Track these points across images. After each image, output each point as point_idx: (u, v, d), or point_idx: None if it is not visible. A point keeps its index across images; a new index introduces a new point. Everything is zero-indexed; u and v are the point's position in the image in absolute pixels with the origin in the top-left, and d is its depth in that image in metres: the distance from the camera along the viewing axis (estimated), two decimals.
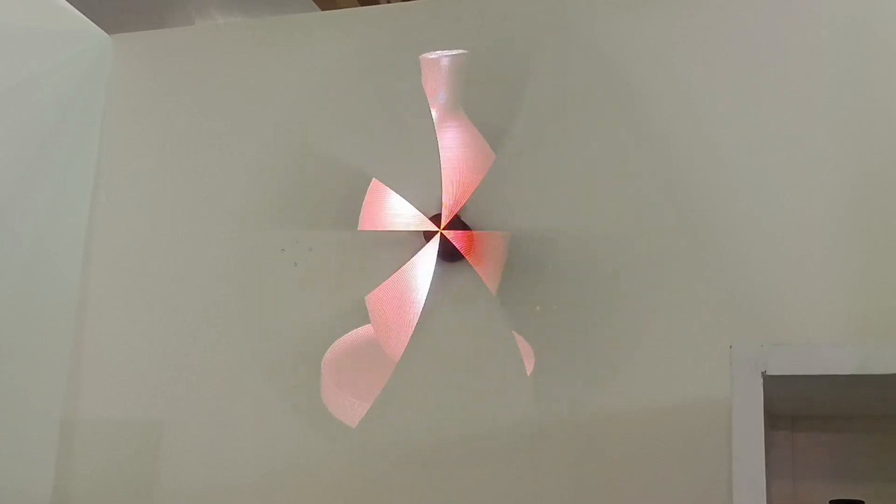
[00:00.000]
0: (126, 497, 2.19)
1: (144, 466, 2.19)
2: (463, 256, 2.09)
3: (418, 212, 2.12)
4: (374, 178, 2.17)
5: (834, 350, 1.45)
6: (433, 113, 2.17)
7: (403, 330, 2.08)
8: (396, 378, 2.10)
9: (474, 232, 2.10)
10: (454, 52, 2.21)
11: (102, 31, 2.48)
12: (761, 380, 1.44)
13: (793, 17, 2.05)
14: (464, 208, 2.12)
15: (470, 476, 2.00)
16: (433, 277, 2.09)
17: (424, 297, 2.09)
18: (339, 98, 2.30)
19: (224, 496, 2.13)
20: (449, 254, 2.09)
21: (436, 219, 2.11)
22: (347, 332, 2.14)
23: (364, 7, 2.36)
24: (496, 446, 2.00)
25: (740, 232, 1.96)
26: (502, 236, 2.08)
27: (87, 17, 2.42)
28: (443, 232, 2.09)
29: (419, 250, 2.12)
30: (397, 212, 2.14)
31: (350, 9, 2.37)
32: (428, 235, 2.11)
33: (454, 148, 2.14)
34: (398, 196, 2.14)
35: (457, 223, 2.10)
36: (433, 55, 2.21)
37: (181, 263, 2.31)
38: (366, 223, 2.16)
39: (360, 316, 2.14)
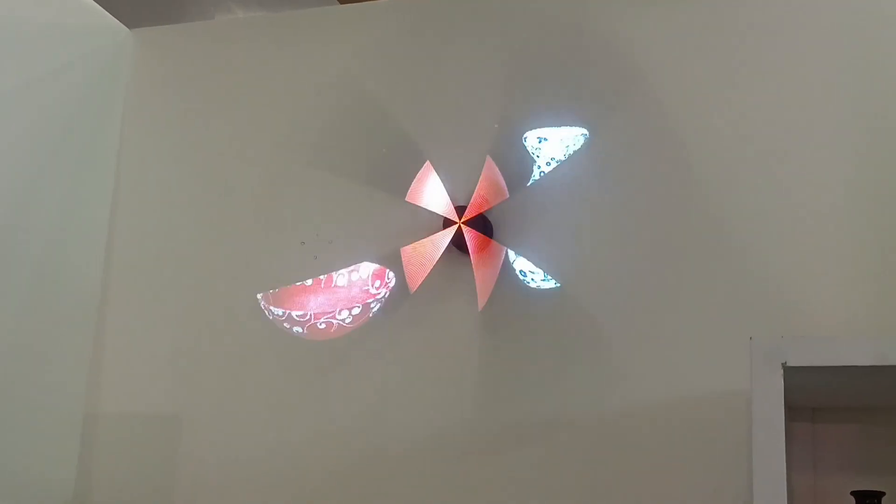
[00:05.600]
0: (146, 488, 2.20)
1: (164, 459, 2.20)
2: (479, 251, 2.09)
3: (447, 197, 2.12)
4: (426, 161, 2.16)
5: (854, 341, 1.45)
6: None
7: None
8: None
9: (492, 240, 2.10)
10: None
11: (122, 25, 2.49)
12: (781, 371, 1.44)
13: (805, 13, 2.04)
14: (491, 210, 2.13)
15: (492, 467, 2.00)
16: (448, 266, 2.10)
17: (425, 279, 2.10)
18: (359, 91, 2.30)
19: (242, 488, 2.14)
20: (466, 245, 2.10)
21: (461, 210, 2.11)
22: (367, 325, 2.14)
23: (383, 0, 2.36)
24: (515, 436, 2.01)
25: (759, 226, 1.96)
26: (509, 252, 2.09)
27: (107, 11, 2.43)
28: (462, 225, 2.09)
29: (435, 234, 2.12)
30: (430, 192, 2.14)
31: (369, 2, 2.36)
32: (448, 223, 2.11)
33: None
34: (436, 177, 2.14)
35: (479, 221, 2.10)
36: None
37: (201, 259, 2.32)
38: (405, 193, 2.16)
39: (380, 310, 2.15)
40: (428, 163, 2.14)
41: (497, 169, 2.11)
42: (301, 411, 2.15)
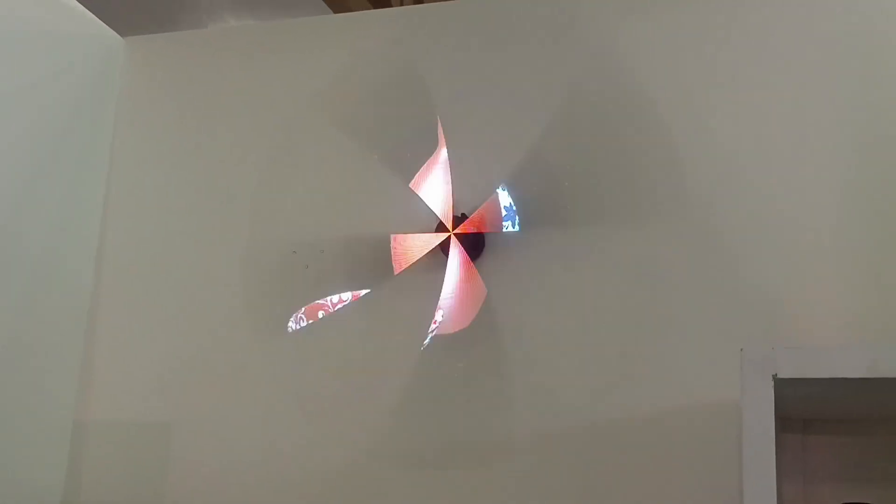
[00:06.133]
0: (135, 497, 2.19)
1: (154, 466, 2.19)
2: (480, 252, 2.10)
3: (433, 210, 2.13)
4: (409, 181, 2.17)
5: (845, 352, 1.45)
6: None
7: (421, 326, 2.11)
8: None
9: (485, 234, 2.10)
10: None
11: (115, 34, 2.48)
12: (772, 382, 1.44)
13: (799, 16, 2.04)
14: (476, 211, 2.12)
15: (478, 478, 2.00)
16: (442, 271, 2.10)
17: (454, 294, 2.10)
18: (351, 100, 2.30)
19: (232, 497, 2.13)
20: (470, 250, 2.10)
21: (441, 228, 2.12)
22: (357, 332, 2.14)
23: (375, 10, 2.36)
24: (505, 448, 2.00)
25: (750, 235, 1.96)
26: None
27: (100, 19, 2.43)
28: (454, 234, 2.10)
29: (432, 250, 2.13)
30: (414, 212, 2.15)
31: (361, 11, 2.37)
32: (442, 239, 2.12)
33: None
34: (419, 197, 2.15)
35: (470, 237, 2.11)
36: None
37: (192, 266, 2.31)
38: (384, 225, 2.17)
39: (370, 316, 2.15)
40: (443, 149, 2.15)
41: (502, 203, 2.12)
42: (292, 419, 2.14)
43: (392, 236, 2.14)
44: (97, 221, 2.39)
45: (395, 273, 2.12)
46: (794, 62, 2.03)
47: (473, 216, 2.11)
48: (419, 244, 2.13)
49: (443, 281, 2.11)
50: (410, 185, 2.15)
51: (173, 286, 2.31)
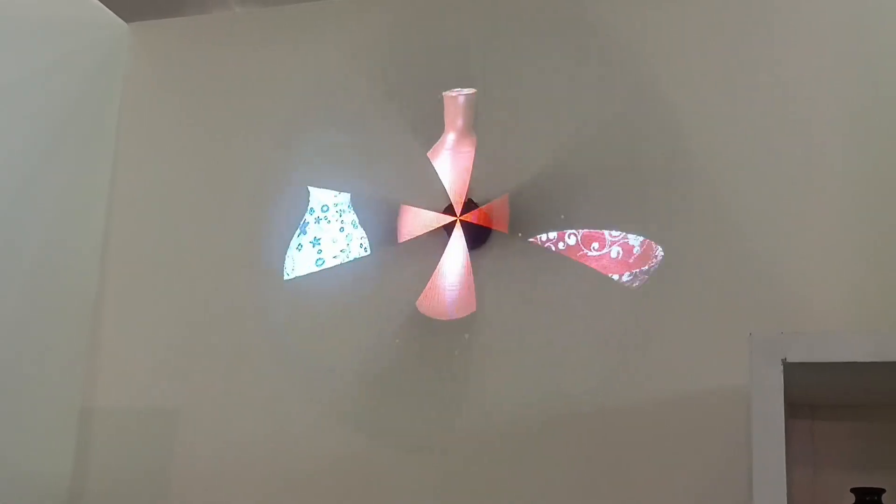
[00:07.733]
0: (142, 483, 2.20)
1: (160, 453, 2.20)
2: (483, 242, 2.09)
3: (432, 212, 2.13)
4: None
5: (854, 337, 1.45)
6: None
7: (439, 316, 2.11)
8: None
9: (483, 207, 2.10)
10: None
11: (119, 20, 2.48)
12: (781, 367, 1.44)
13: (806, 9, 2.04)
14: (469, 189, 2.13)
15: (489, 463, 2.00)
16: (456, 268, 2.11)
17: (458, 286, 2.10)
18: (356, 85, 2.30)
19: (238, 483, 2.13)
20: (471, 240, 2.09)
21: (450, 210, 2.12)
22: (362, 321, 2.14)
23: None
24: (516, 433, 2.00)
25: (760, 220, 1.95)
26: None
27: (104, 5, 2.42)
28: (461, 219, 2.09)
29: (443, 243, 2.13)
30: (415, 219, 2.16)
31: None
32: (448, 229, 2.11)
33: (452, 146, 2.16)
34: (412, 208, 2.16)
35: (469, 205, 2.11)
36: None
37: (197, 253, 2.32)
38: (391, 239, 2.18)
39: (373, 305, 2.14)
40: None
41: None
42: (296, 405, 2.14)
43: (402, 206, 2.15)
44: (103, 208, 2.39)
45: (400, 240, 2.12)
46: (803, 52, 2.02)
47: (483, 208, 2.10)
48: (424, 221, 2.12)
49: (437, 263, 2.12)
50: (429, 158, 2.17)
51: (179, 273, 2.32)
